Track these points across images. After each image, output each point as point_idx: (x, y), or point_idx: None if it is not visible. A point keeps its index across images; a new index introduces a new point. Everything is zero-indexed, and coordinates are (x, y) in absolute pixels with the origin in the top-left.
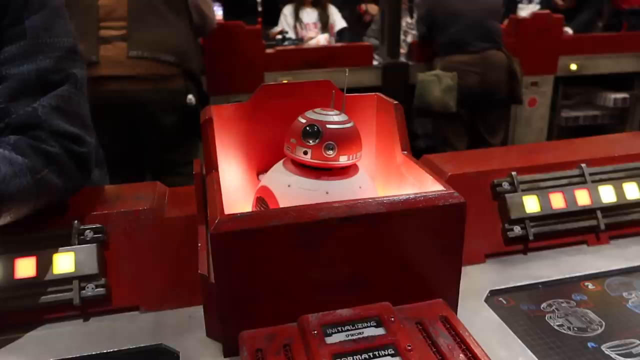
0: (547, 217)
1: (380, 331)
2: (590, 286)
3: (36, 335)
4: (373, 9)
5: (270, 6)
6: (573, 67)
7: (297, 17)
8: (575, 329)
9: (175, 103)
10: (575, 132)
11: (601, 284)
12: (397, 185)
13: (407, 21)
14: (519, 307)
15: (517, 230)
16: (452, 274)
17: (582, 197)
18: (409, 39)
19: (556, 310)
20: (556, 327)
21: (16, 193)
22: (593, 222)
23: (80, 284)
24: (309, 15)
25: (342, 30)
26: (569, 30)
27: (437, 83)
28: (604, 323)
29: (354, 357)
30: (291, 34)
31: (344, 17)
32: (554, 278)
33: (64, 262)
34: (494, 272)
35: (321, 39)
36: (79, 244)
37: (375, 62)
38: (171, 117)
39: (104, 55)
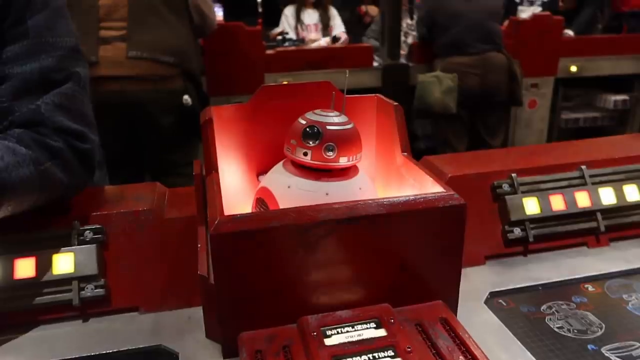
0: (547, 219)
1: (379, 333)
2: (590, 288)
3: (35, 336)
4: (373, 10)
5: (271, 7)
6: (573, 68)
7: (298, 18)
8: (575, 331)
9: (174, 103)
10: (575, 134)
11: (601, 286)
12: (397, 186)
13: (407, 22)
14: (519, 309)
15: (517, 232)
16: (452, 275)
17: (582, 199)
18: (409, 40)
19: (556, 312)
20: (556, 329)
21: (19, 183)
22: (593, 224)
23: (79, 285)
24: (310, 16)
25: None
26: (569, 33)
27: (438, 84)
28: (604, 325)
29: (354, 358)
30: (292, 35)
31: (344, 18)
32: (554, 280)
33: (63, 263)
34: (494, 274)
35: (322, 43)
36: (78, 244)
37: (375, 64)
38: (170, 118)
39: (104, 55)
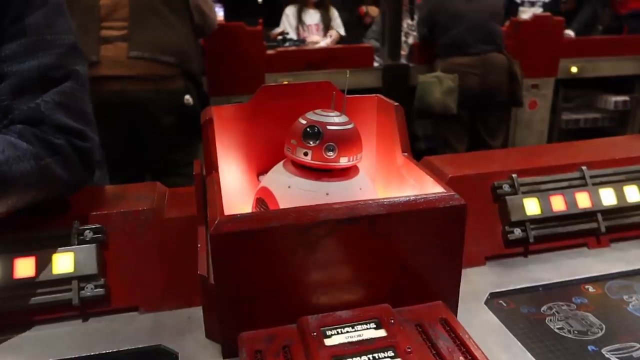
0: (547, 219)
1: (379, 333)
2: (591, 289)
3: (35, 336)
4: (373, 11)
5: (272, 7)
6: (574, 69)
7: (299, 18)
8: (576, 332)
9: (174, 103)
10: (575, 135)
11: (602, 287)
12: (397, 186)
13: (407, 23)
14: (519, 310)
15: (518, 232)
16: (452, 276)
17: (583, 200)
18: (410, 40)
19: (556, 313)
20: (556, 330)
21: (19, 177)
22: (594, 225)
23: (79, 284)
24: (312, 16)
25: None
26: (570, 33)
27: (438, 85)
28: (604, 326)
29: (354, 359)
30: (292, 35)
31: (344, 18)
32: (554, 281)
33: (63, 262)
34: (494, 275)
35: (322, 44)
36: (78, 244)
37: (375, 64)
38: (171, 118)
39: (105, 55)
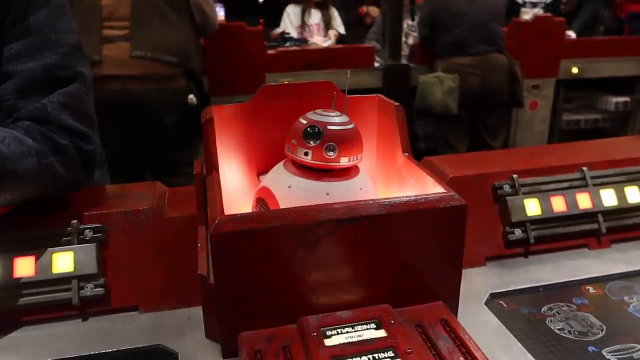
0: (548, 220)
1: (380, 333)
2: (591, 290)
3: (34, 335)
4: (374, 11)
5: (273, 7)
6: (574, 70)
7: (302, 18)
8: (576, 332)
9: (177, 102)
10: (576, 136)
11: (602, 287)
12: (398, 187)
13: (408, 23)
14: (520, 311)
15: (518, 233)
16: (452, 276)
17: (584, 201)
18: (410, 40)
19: (557, 314)
20: (557, 331)
21: (21, 172)
22: (594, 226)
23: (79, 284)
24: (313, 16)
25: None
26: (571, 34)
27: (439, 85)
28: (604, 327)
29: (354, 359)
30: (293, 33)
31: (344, 19)
32: (554, 281)
33: (63, 262)
34: (495, 275)
35: (325, 46)
36: (78, 243)
37: (376, 64)
38: (174, 117)
39: (107, 54)
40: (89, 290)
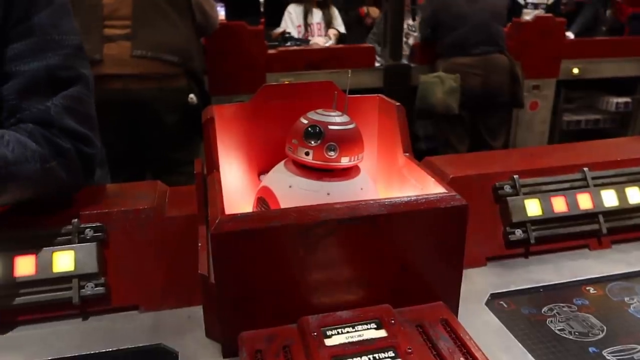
0: (548, 220)
1: (380, 333)
2: (592, 291)
3: (35, 334)
4: (374, 12)
5: (274, 7)
6: (575, 70)
7: (305, 19)
8: (577, 333)
9: (178, 102)
10: (577, 136)
11: (603, 288)
12: (398, 187)
13: (408, 24)
14: (520, 311)
15: (519, 233)
16: (453, 276)
17: (584, 201)
18: (411, 41)
19: (557, 315)
20: (557, 332)
21: (23, 177)
22: (595, 226)
23: (79, 283)
24: (314, 16)
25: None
26: (570, 35)
27: (440, 85)
28: (605, 328)
29: (354, 359)
30: (294, 33)
31: (344, 19)
32: (555, 282)
33: (63, 261)
34: (495, 276)
35: (326, 46)
36: (79, 242)
37: (376, 65)
38: (175, 116)
39: (108, 53)
40: (90, 289)
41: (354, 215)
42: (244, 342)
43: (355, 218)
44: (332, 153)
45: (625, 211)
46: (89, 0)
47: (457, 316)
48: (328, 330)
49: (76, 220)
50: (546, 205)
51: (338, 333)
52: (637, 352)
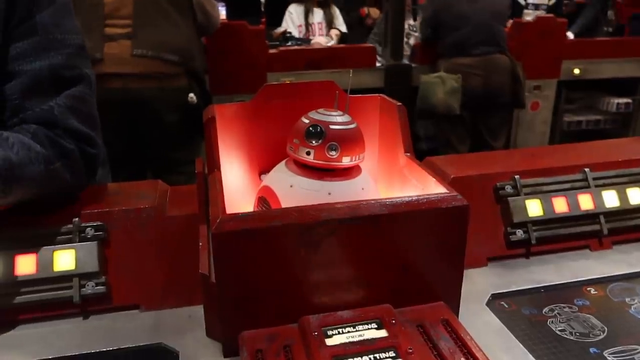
0: (549, 221)
1: (381, 333)
2: (593, 291)
3: (35, 333)
4: (375, 12)
5: (274, 6)
6: (576, 71)
7: (306, 18)
8: (577, 334)
9: (179, 101)
10: (577, 137)
11: (604, 289)
12: (399, 187)
13: (409, 23)
14: (521, 311)
15: (520, 234)
16: (454, 276)
17: (585, 202)
18: (412, 41)
19: (558, 315)
20: (558, 332)
21: (28, 179)
22: (596, 227)
23: (80, 282)
24: (316, 15)
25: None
26: (570, 35)
27: (441, 85)
28: (606, 329)
29: (355, 359)
30: (295, 32)
31: (344, 19)
32: (556, 282)
33: (64, 260)
34: (496, 276)
35: (328, 46)
36: (79, 241)
37: (377, 65)
38: (175, 116)
39: (108, 52)
40: (90, 288)
41: (355, 215)
42: (244, 341)
43: (356, 218)
44: (333, 153)
45: (626, 212)
46: None
47: (457, 316)
48: (329, 330)
49: (77, 219)
50: (547, 206)
51: (339, 333)
52: (638, 352)
